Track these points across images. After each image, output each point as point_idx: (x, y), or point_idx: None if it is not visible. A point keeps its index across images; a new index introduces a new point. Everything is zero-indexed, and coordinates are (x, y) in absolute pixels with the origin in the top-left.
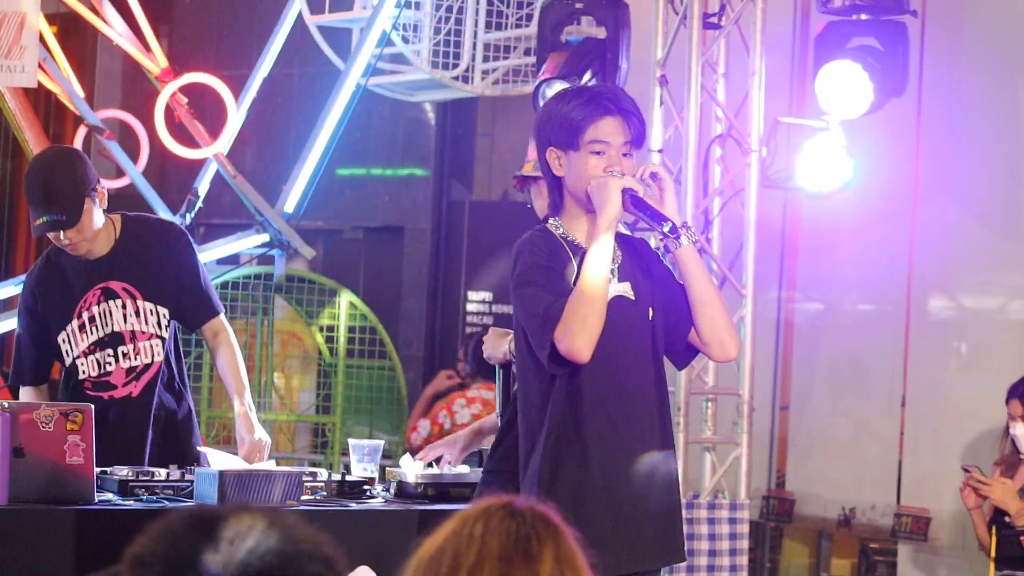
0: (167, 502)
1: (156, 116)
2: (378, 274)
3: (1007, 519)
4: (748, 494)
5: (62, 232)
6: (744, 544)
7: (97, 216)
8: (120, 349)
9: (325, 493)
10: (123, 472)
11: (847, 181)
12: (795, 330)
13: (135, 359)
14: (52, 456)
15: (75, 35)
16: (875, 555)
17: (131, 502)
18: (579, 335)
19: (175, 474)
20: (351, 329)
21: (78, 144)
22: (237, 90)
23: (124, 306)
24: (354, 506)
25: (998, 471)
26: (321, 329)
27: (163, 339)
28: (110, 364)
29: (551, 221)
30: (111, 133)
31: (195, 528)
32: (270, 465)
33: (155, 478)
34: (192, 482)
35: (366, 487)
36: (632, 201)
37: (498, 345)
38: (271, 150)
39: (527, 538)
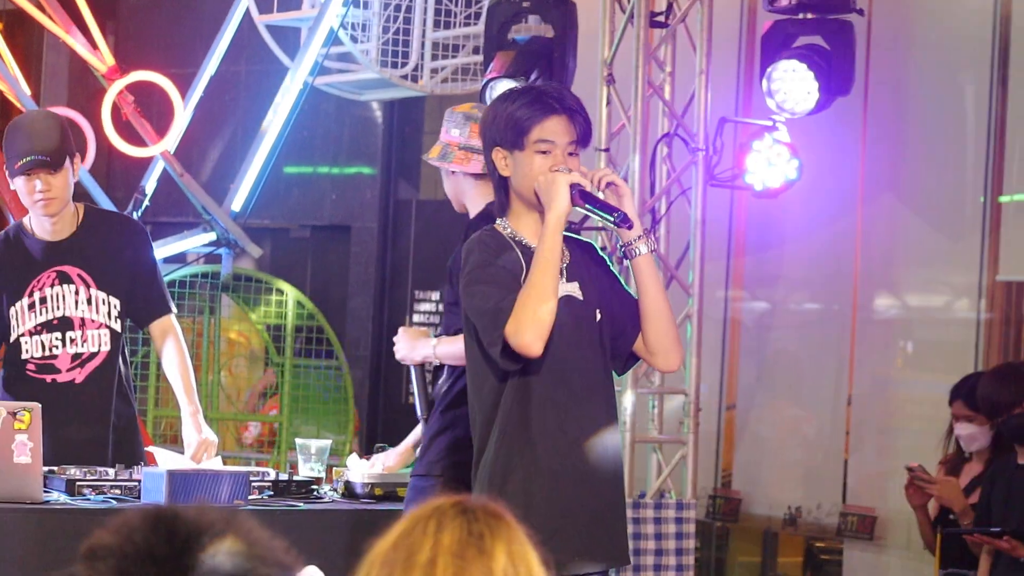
0: (115, 502)
1: (103, 114)
2: (325, 273)
3: (952, 517)
4: (695, 493)
5: (39, 180)
6: (691, 544)
7: (71, 182)
8: (68, 334)
9: (272, 493)
10: (71, 471)
11: (793, 180)
12: (742, 329)
13: (82, 346)
14: None
15: (20, 33)
16: (821, 554)
17: (79, 501)
18: (530, 329)
19: (123, 474)
20: (298, 328)
21: None
22: (184, 88)
23: (77, 292)
24: (301, 506)
25: (942, 470)
26: (268, 328)
27: (112, 331)
28: (56, 348)
29: (499, 222)
30: None
31: (153, 525)
32: (217, 464)
33: (103, 477)
34: (140, 481)
35: (313, 487)
36: (580, 195)
37: (415, 346)
38: (218, 148)
39: (480, 534)
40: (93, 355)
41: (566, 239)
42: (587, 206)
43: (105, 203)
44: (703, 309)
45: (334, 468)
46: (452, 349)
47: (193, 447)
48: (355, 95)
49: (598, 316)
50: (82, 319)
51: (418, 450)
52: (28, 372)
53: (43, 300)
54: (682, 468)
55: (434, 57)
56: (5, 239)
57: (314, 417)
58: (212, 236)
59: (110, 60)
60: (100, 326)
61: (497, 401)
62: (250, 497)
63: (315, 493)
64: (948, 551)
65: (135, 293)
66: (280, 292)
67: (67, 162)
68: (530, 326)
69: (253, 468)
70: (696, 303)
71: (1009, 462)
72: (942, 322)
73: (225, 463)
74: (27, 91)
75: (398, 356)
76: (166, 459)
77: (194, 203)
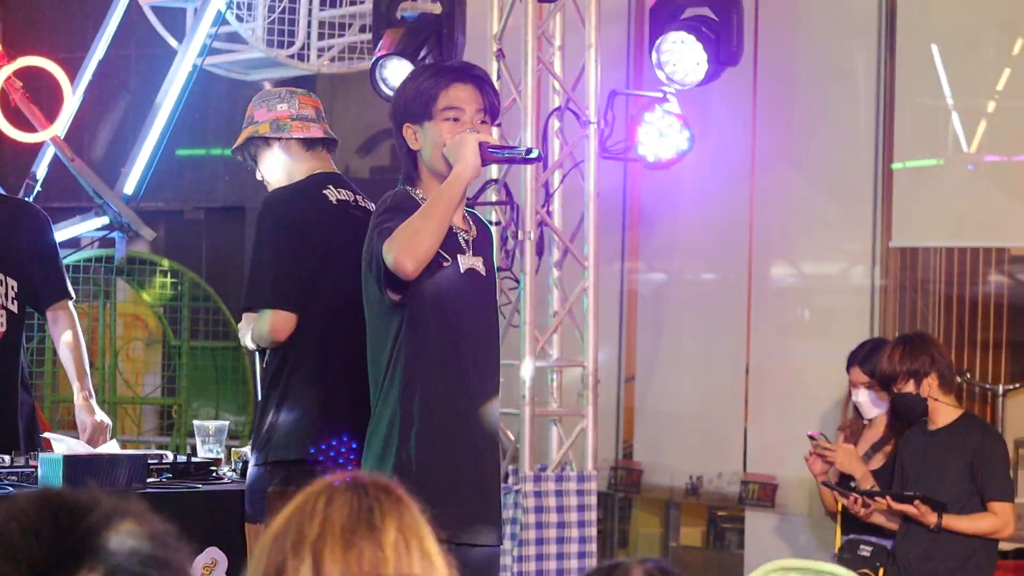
0: (11, 488)
1: None
2: (220, 254)
3: (852, 484)
4: (595, 465)
5: None
6: (593, 515)
7: None
8: None
9: (171, 475)
10: None
11: (685, 151)
12: (639, 300)
13: None
14: None
15: None
16: (723, 523)
17: None
18: (406, 247)
19: (19, 460)
20: (194, 310)
21: None
22: (73, 73)
23: None
24: (201, 487)
25: (842, 436)
26: (164, 310)
27: (9, 312)
28: None
29: (409, 189)
30: None
31: (39, 505)
32: (114, 447)
33: None
34: (36, 467)
35: (212, 468)
36: (489, 149)
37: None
38: (109, 132)
39: (369, 509)
40: None
41: (474, 217)
42: (498, 155)
43: None
44: (599, 282)
45: (232, 449)
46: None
47: (88, 431)
48: (243, 75)
49: (494, 287)
50: None
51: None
52: None
53: None
54: (582, 440)
55: (321, 36)
56: None
57: (212, 399)
58: (105, 220)
59: None
60: None
61: (394, 366)
62: (149, 480)
63: (214, 474)
64: (849, 517)
65: (34, 275)
66: (175, 274)
67: None
68: (406, 245)
69: (151, 451)
70: (592, 276)
71: (919, 430)
72: (838, 289)
73: (124, 447)
74: None
75: (242, 340)
76: (63, 445)
77: (86, 187)
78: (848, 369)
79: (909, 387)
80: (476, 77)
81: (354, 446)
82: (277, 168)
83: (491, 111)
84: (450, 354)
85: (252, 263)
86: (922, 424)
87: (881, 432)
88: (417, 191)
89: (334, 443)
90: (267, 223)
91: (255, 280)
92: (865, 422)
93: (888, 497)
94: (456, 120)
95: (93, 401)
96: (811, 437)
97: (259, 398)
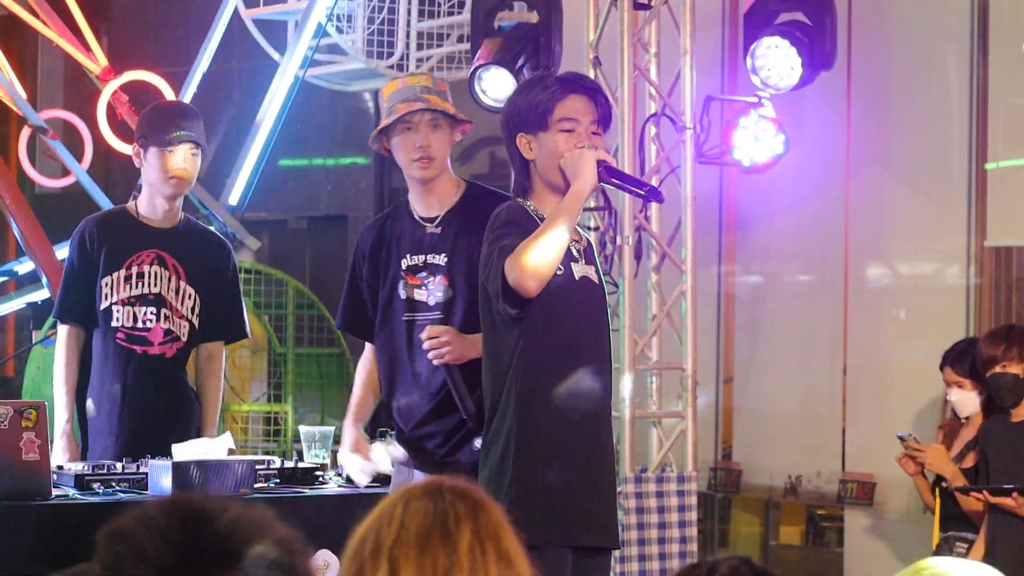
0: (122, 494)
1: (99, 114)
2: (323, 262)
3: (944, 485)
4: (695, 466)
5: (181, 154)
6: (693, 516)
7: (198, 172)
8: (163, 311)
9: (278, 480)
10: (79, 467)
11: (780, 154)
12: (736, 303)
13: (173, 324)
14: (8, 453)
15: (15, 37)
16: (823, 521)
17: (88, 496)
18: (528, 266)
19: (130, 467)
20: (299, 318)
21: (22, 146)
22: (177, 86)
23: (170, 279)
24: (307, 492)
25: (941, 434)
26: (269, 318)
27: (191, 324)
28: (150, 321)
29: (521, 201)
30: (55, 133)
31: (168, 511)
32: (227, 440)
33: (111, 472)
34: (147, 474)
35: (318, 473)
36: (607, 171)
37: (467, 345)
38: (213, 144)
39: (444, 515)
40: (177, 338)
41: (581, 228)
42: (615, 180)
43: (104, 203)
44: (697, 285)
45: (338, 454)
46: None
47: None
48: (344, 86)
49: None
50: (172, 303)
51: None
52: (118, 340)
53: (140, 275)
54: (682, 442)
55: (419, 47)
56: (107, 214)
57: (318, 404)
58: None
59: (103, 61)
60: (183, 316)
61: (512, 378)
62: (256, 485)
63: (320, 479)
64: (947, 513)
65: (214, 303)
66: (280, 283)
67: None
68: (527, 264)
69: (259, 456)
70: (690, 279)
71: (1001, 421)
72: (933, 289)
73: (232, 453)
74: (23, 95)
75: (451, 358)
76: (182, 450)
77: (192, 199)
78: (942, 368)
79: (1012, 368)
80: (590, 88)
81: None
82: (444, 146)
83: (604, 122)
84: (568, 364)
85: None
86: (1004, 416)
87: (975, 432)
88: (530, 203)
89: None
90: None
91: None
92: (962, 420)
93: (985, 492)
94: (571, 131)
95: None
96: (901, 438)
97: (465, 411)
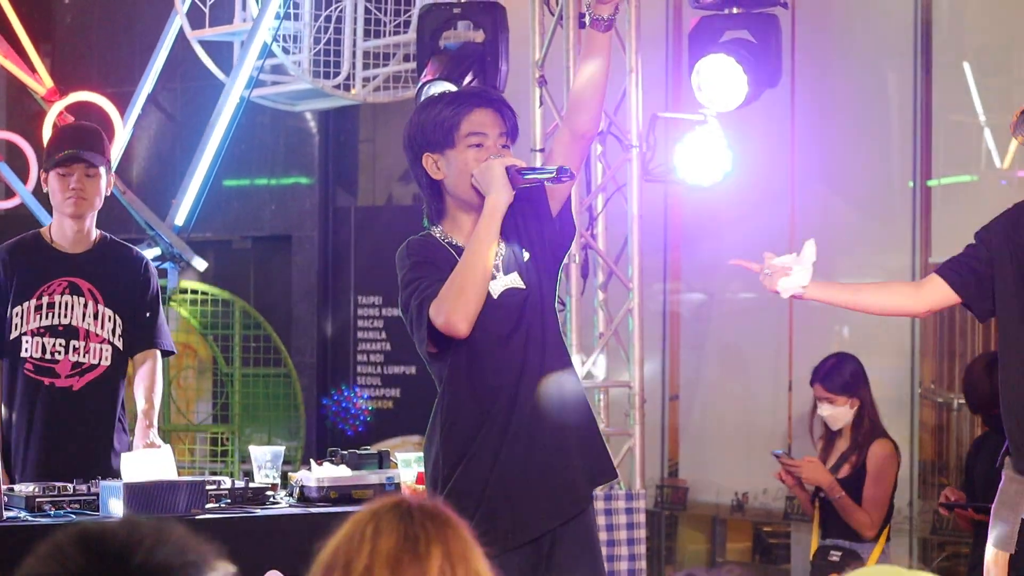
0: (74, 516)
1: (44, 136)
2: (268, 282)
3: (821, 495)
4: (643, 484)
5: (76, 175)
6: (642, 533)
7: (103, 190)
8: (72, 343)
9: (229, 501)
10: (29, 488)
11: (726, 172)
12: (681, 321)
13: (83, 356)
14: None
15: None
16: (769, 538)
17: (39, 518)
18: (455, 308)
19: (81, 487)
20: (245, 338)
21: None
22: (123, 107)
23: (85, 305)
24: (259, 512)
25: (820, 444)
26: (216, 339)
27: (113, 346)
28: (59, 353)
29: (432, 228)
30: (0, 155)
31: (82, 546)
32: (168, 454)
33: (61, 493)
34: (98, 495)
35: (269, 493)
36: (518, 174)
37: None
38: (158, 165)
39: (415, 537)
40: (93, 367)
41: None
42: (527, 177)
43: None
44: (643, 302)
45: (288, 474)
46: None
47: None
48: (289, 106)
49: (541, 288)
50: (87, 331)
51: None
52: (26, 372)
53: (51, 305)
54: (630, 459)
55: (365, 66)
56: (20, 241)
57: (265, 425)
58: (157, 251)
59: (48, 82)
60: (103, 341)
61: (437, 406)
62: (207, 505)
63: (271, 499)
64: (825, 523)
65: (136, 319)
66: (227, 303)
67: (104, 167)
68: (454, 304)
69: (209, 477)
70: (636, 297)
71: (991, 440)
72: None
73: (180, 474)
74: None
75: None
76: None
77: (138, 219)
78: (812, 384)
79: None
80: (496, 101)
81: None
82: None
83: (512, 134)
84: (482, 388)
85: None
86: (997, 436)
87: (848, 443)
88: (440, 228)
89: None
90: None
91: None
92: (833, 433)
93: (971, 509)
94: (480, 146)
95: (153, 431)
96: (776, 455)
97: None
